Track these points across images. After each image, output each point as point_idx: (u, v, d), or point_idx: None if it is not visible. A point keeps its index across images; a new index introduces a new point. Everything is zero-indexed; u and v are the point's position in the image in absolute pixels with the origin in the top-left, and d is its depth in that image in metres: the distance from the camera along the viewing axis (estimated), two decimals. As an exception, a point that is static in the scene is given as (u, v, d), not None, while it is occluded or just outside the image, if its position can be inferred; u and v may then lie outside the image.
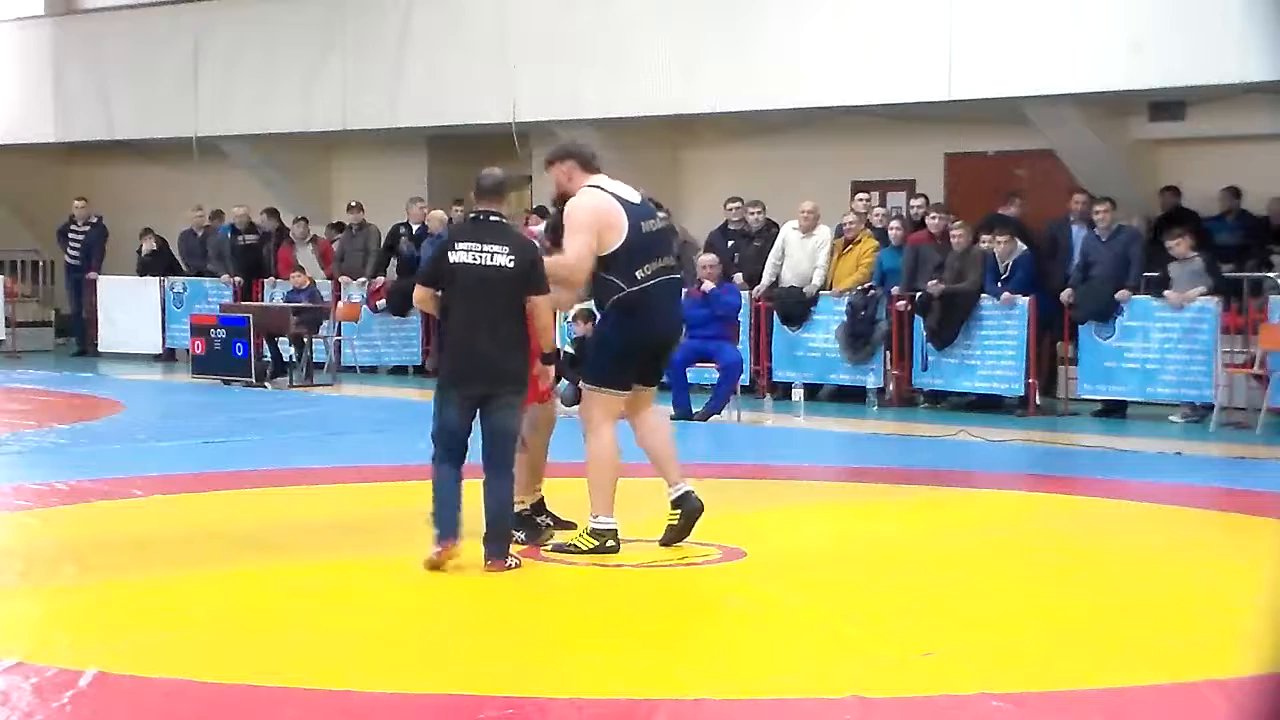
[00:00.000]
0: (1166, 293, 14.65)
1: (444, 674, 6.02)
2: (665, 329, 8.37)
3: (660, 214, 8.64)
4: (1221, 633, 6.68)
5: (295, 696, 5.75)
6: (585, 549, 8.09)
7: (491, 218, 7.97)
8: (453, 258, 7.86)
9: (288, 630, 6.78)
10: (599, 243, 8.02)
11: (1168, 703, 5.84)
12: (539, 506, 8.75)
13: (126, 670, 6.00)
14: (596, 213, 8.07)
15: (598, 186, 8.23)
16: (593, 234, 8.00)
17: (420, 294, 8.09)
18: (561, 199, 8.34)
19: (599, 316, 8.36)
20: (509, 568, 7.83)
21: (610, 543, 8.09)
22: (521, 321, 7.91)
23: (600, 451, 8.13)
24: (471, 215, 8.16)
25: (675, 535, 8.26)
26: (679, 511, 8.19)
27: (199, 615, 7.02)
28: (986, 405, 15.65)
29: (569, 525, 8.64)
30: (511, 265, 7.81)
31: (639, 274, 8.07)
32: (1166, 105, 16.62)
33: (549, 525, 8.66)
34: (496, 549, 7.84)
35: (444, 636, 6.72)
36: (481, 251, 7.82)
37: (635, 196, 8.28)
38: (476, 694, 5.65)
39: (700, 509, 8.22)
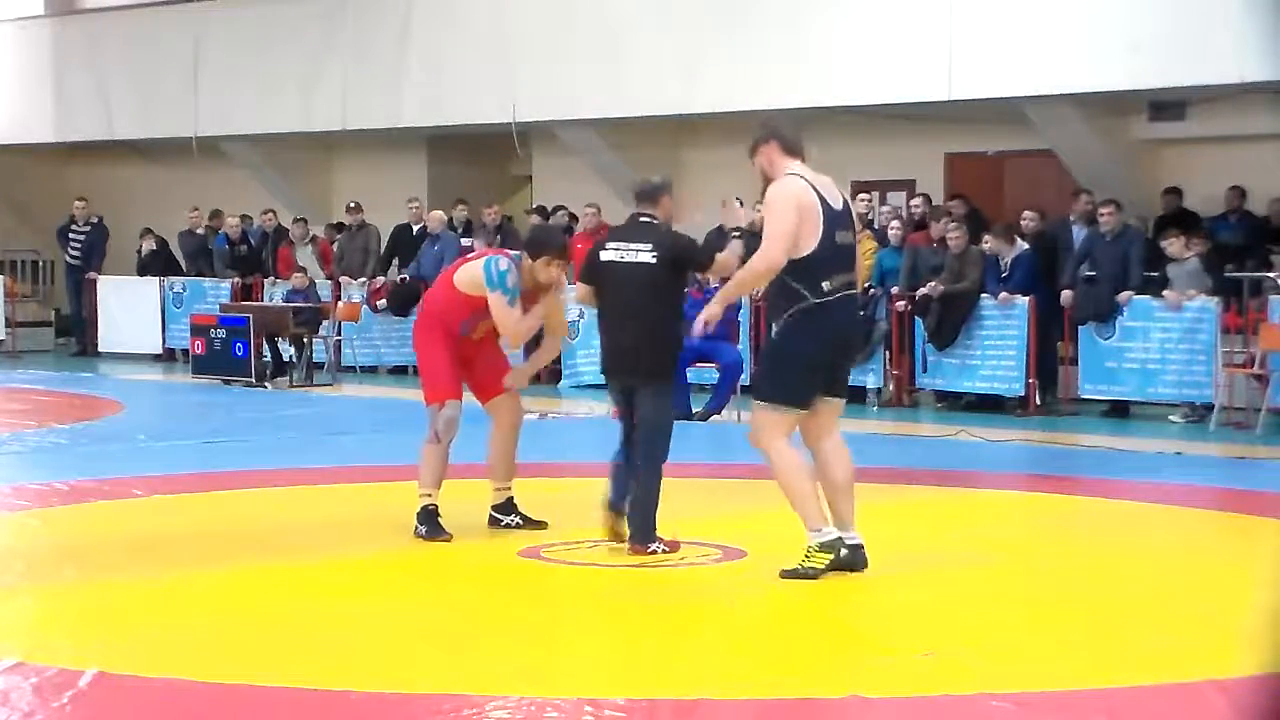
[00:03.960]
0: (1165, 293, 14.65)
1: (444, 674, 6.02)
2: (846, 333, 7.82)
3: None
4: (1221, 633, 6.67)
5: (295, 696, 5.75)
6: (822, 568, 7.45)
7: (642, 219, 8.36)
8: (603, 256, 8.32)
9: (288, 630, 6.78)
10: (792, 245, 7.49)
11: (1168, 703, 5.83)
12: (508, 505, 8.86)
13: (126, 670, 6.00)
14: (799, 202, 7.50)
15: (800, 176, 7.60)
16: (795, 216, 7.45)
17: (581, 291, 8.52)
18: (767, 185, 7.76)
19: (773, 327, 7.70)
20: (651, 551, 8.07)
21: (843, 551, 7.53)
22: (667, 314, 8.18)
23: (786, 466, 7.59)
24: (641, 217, 8.45)
25: (800, 574, 7.55)
26: (829, 557, 7.49)
27: (199, 615, 7.02)
28: (987, 405, 15.66)
29: (540, 524, 8.81)
30: (654, 260, 8.13)
31: (825, 285, 7.51)
32: (1166, 105, 16.62)
33: (518, 524, 8.78)
34: (635, 533, 8.13)
35: (444, 636, 6.72)
36: (627, 250, 8.22)
37: (837, 201, 7.62)
38: (476, 694, 5.65)
39: (862, 565, 7.62)
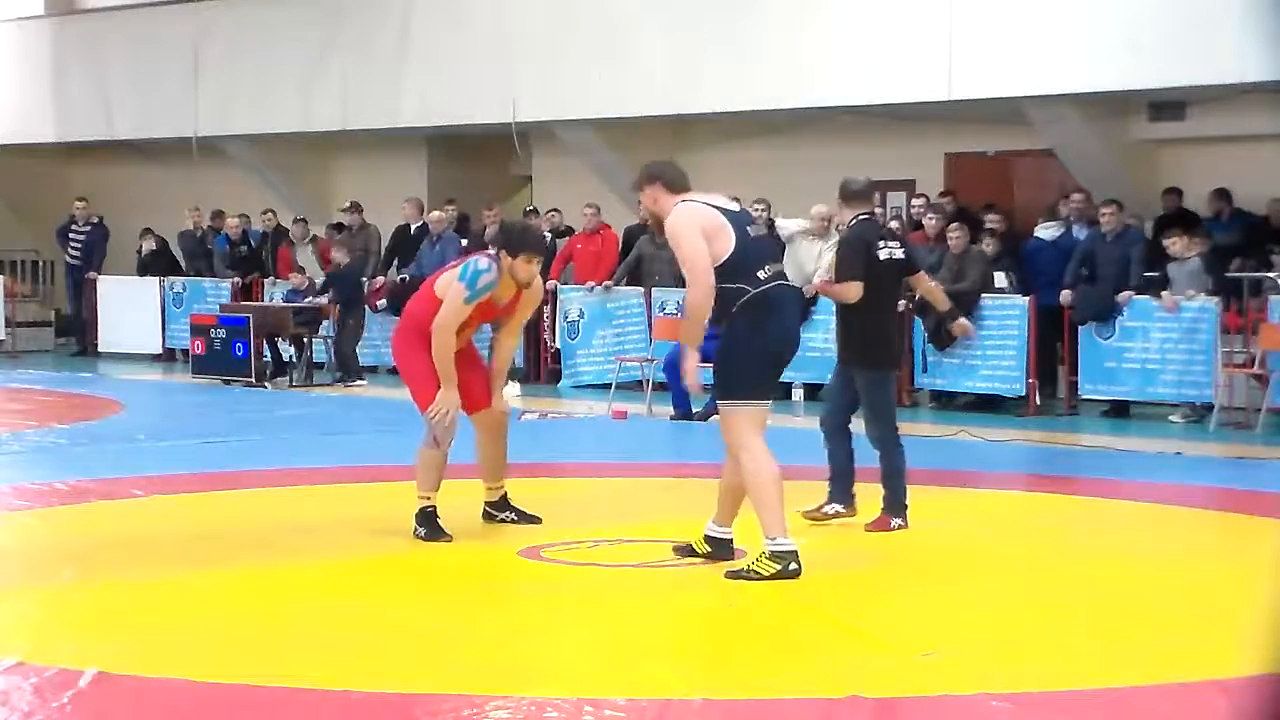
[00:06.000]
0: (1163, 294, 14.66)
1: (444, 674, 6.02)
2: (793, 330, 8.10)
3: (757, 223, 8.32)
4: (1221, 633, 6.68)
5: (295, 696, 5.76)
6: (766, 574, 7.50)
7: (867, 217, 9.15)
8: (880, 255, 9.00)
9: (288, 630, 6.78)
10: (711, 252, 7.62)
11: (1168, 703, 5.83)
12: (503, 502, 8.98)
13: (126, 670, 6.00)
14: (696, 220, 7.69)
15: (690, 201, 7.85)
16: (701, 237, 7.63)
17: (855, 289, 8.98)
18: (657, 223, 8.03)
19: (725, 328, 7.81)
20: (891, 528, 8.94)
21: (792, 565, 7.52)
22: None
23: (758, 468, 7.62)
24: (863, 216, 9.12)
25: (689, 554, 7.99)
26: (777, 567, 7.55)
27: (199, 615, 7.02)
28: (986, 405, 15.66)
29: (534, 519, 8.92)
30: (903, 256, 9.13)
31: (761, 274, 7.71)
32: (1166, 105, 16.62)
33: (514, 519, 8.91)
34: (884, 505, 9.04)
35: (444, 636, 6.72)
36: (895, 248, 9.12)
37: (734, 206, 7.96)
38: (476, 694, 5.65)
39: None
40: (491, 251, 8.88)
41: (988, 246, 15.73)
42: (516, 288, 8.71)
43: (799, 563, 7.57)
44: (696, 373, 7.81)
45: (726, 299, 7.68)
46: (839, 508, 9.15)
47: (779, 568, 7.52)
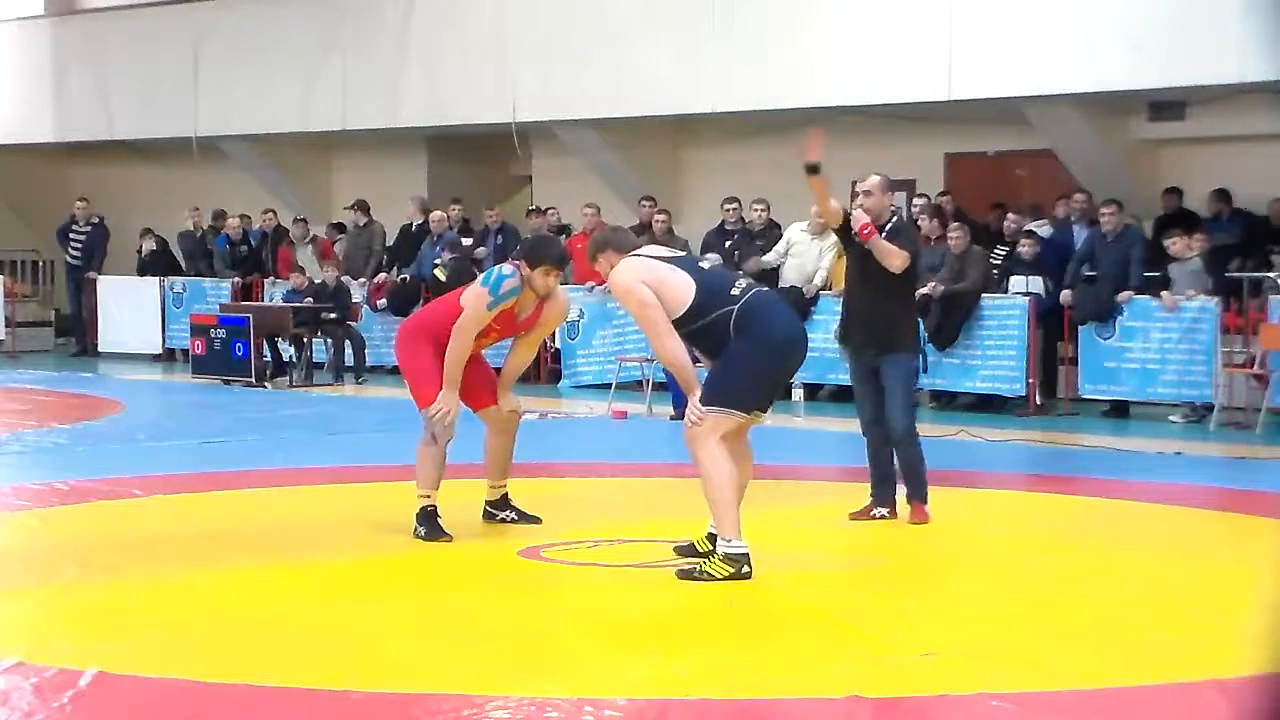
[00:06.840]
0: (1163, 294, 14.67)
1: (444, 674, 6.02)
2: (797, 325, 8.13)
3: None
4: (1221, 633, 6.68)
5: (295, 696, 5.76)
6: (720, 577, 7.47)
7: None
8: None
9: (288, 630, 6.78)
10: (670, 306, 7.65)
11: (1168, 703, 5.84)
12: (503, 501, 9.01)
13: (126, 670, 6.00)
14: (635, 275, 7.76)
15: (630, 258, 7.91)
16: (643, 288, 7.68)
17: (904, 258, 9.07)
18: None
19: (731, 346, 7.74)
20: (872, 517, 9.21)
21: (745, 568, 7.51)
22: None
23: (715, 469, 7.61)
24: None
25: (691, 553, 7.98)
26: (730, 570, 7.53)
27: (199, 615, 7.02)
28: (986, 405, 15.66)
29: (534, 519, 8.94)
30: None
31: (734, 292, 7.75)
32: (1166, 105, 16.63)
33: (514, 519, 8.95)
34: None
35: (444, 636, 6.72)
36: None
37: (677, 252, 8.25)
38: (476, 694, 5.65)
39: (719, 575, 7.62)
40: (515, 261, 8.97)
41: (1026, 248, 15.71)
42: (537, 300, 8.72)
43: (750, 565, 7.56)
44: (699, 410, 7.70)
45: (717, 330, 7.70)
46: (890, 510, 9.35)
47: (732, 570, 7.52)
